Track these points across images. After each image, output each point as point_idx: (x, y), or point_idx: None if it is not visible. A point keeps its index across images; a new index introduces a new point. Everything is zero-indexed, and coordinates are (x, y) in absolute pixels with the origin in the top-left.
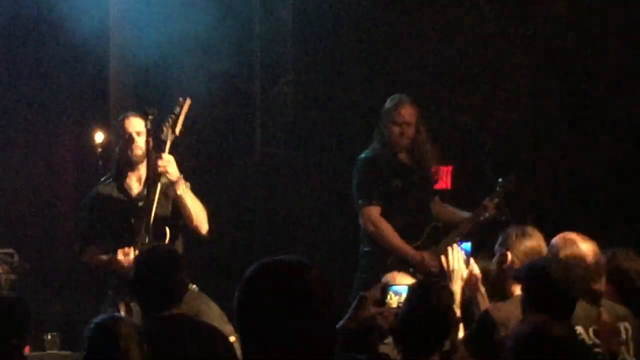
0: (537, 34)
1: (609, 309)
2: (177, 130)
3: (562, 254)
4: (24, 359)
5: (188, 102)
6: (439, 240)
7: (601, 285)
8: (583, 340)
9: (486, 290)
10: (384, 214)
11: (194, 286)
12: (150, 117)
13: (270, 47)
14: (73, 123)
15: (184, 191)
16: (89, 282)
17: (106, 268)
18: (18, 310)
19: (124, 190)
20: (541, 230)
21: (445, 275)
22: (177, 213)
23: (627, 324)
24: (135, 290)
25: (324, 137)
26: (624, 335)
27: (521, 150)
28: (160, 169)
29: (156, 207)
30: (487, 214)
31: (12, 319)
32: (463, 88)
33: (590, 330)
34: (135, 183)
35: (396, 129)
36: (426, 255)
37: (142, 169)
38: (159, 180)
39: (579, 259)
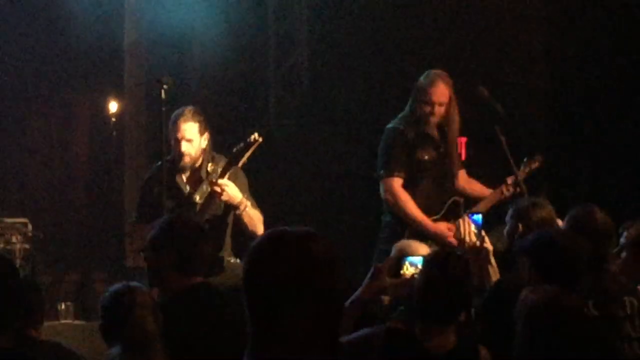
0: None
1: (616, 281)
2: (241, 162)
3: (582, 223)
4: (32, 340)
5: (260, 139)
6: (459, 215)
7: (611, 256)
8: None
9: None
10: (407, 186)
11: (238, 260)
12: (165, 87)
13: (284, 18)
14: (87, 93)
15: (244, 212)
16: (103, 253)
17: None
18: (25, 291)
19: (175, 182)
20: (553, 202)
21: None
22: (228, 212)
23: (633, 299)
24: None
25: (339, 109)
26: (628, 310)
27: (535, 121)
28: (215, 194)
29: (209, 206)
30: (509, 192)
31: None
32: (478, 58)
33: (590, 303)
34: (190, 181)
35: (427, 108)
36: (444, 228)
37: (201, 169)
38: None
39: (599, 230)
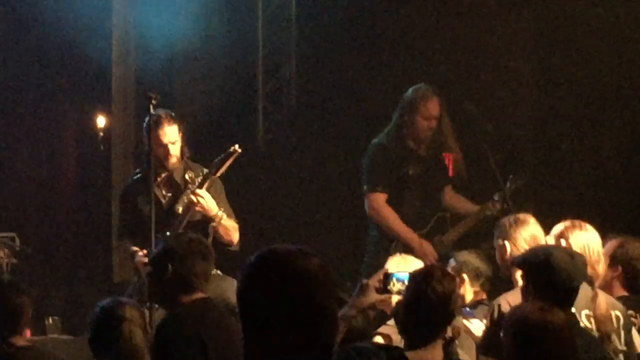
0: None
1: (606, 297)
2: (219, 173)
3: (572, 239)
4: (14, 348)
5: (239, 150)
6: (445, 231)
7: (598, 270)
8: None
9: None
10: (393, 202)
11: (218, 271)
12: (153, 101)
13: (273, 32)
14: (75, 107)
15: (220, 224)
16: (91, 267)
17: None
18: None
19: (153, 192)
20: (539, 218)
21: (444, 262)
22: (208, 222)
23: (618, 312)
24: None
25: (326, 123)
26: (615, 324)
27: (522, 136)
28: (191, 203)
29: (187, 215)
30: (494, 210)
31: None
32: (465, 75)
33: (583, 314)
34: (165, 186)
35: (425, 123)
36: (427, 244)
37: (174, 172)
38: (186, 189)
39: (587, 245)
